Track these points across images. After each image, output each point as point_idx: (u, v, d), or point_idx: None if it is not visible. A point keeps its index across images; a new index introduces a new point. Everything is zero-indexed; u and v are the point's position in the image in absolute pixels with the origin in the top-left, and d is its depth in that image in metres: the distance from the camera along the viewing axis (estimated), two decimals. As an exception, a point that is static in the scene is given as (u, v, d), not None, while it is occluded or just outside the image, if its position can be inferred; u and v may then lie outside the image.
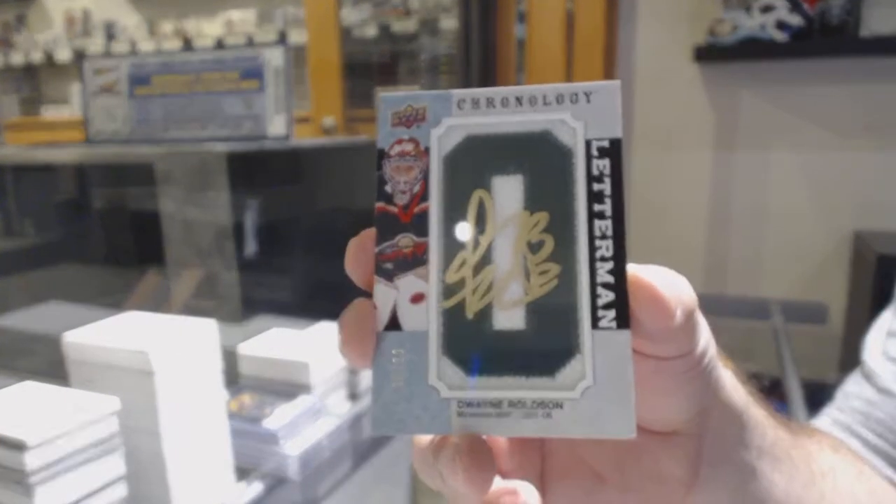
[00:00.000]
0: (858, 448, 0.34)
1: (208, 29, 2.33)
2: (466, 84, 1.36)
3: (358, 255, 0.18)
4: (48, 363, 0.60)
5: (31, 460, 0.43)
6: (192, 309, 0.77)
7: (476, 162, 0.18)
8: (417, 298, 0.17)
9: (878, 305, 0.41)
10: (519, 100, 0.18)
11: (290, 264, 0.92)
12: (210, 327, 0.55)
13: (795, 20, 1.40)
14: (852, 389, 0.37)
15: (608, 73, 1.57)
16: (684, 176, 1.58)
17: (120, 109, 0.95)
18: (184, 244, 0.77)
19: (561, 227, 0.17)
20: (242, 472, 0.60)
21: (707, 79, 1.53)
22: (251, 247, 0.79)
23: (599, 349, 0.16)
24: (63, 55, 2.52)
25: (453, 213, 0.18)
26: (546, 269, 0.17)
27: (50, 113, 2.63)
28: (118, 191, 0.92)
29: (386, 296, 0.18)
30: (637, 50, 1.58)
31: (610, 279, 0.17)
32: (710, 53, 1.46)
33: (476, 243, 0.18)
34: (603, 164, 0.17)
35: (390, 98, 0.19)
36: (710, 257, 1.59)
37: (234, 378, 0.69)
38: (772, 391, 1.19)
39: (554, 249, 0.17)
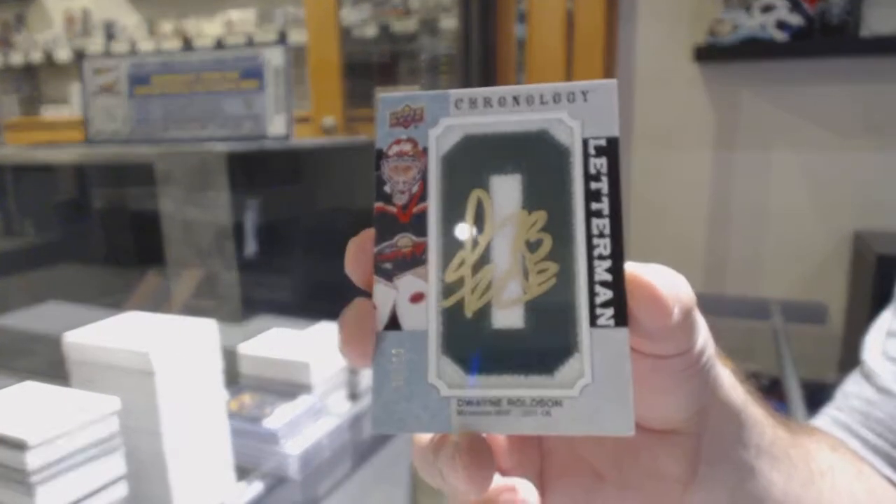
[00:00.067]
0: (858, 447, 0.34)
1: (208, 29, 2.33)
2: (466, 84, 1.36)
3: (357, 255, 0.18)
4: (49, 363, 0.60)
5: (32, 460, 0.43)
6: (193, 309, 0.77)
7: (474, 162, 0.18)
8: (417, 298, 0.18)
9: (878, 305, 0.41)
10: (516, 99, 0.18)
11: (290, 264, 0.92)
12: (210, 327, 0.55)
13: (795, 20, 1.40)
14: (852, 389, 0.38)
15: (608, 73, 1.57)
16: (684, 176, 1.58)
17: (120, 109, 0.95)
18: (184, 244, 0.77)
19: (559, 226, 0.17)
20: (243, 472, 0.60)
21: (707, 79, 1.53)
22: (251, 247, 0.79)
23: (598, 347, 0.16)
24: (63, 55, 2.52)
25: (452, 212, 0.18)
26: (544, 267, 0.17)
27: (50, 113, 2.63)
28: (118, 191, 0.92)
29: (385, 296, 0.18)
30: (637, 50, 1.58)
31: (608, 277, 0.17)
32: (710, 53, 1.46)
33: (475, 243, 0.18)
34: (600, 163, 0.17)
35: (388, 98, 0.19)
36: (710, 257, 1.59)
37: (234, 378, 0.69)
38: (771, 391, 1.19)
39: (552, 248, 0.17)
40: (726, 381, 0.21)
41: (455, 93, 0.18)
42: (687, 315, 0.17)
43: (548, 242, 0.17)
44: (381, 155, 0.18)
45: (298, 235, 0.94)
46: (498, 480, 0.18)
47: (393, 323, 0.17)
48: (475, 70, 1.34)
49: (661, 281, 0.16)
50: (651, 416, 0.20)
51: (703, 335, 0.19)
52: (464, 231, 0.18)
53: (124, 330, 0.54)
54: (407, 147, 0.18)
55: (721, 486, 0.22)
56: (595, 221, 0.17)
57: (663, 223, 1.61)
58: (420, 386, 0.17)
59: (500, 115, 0.18)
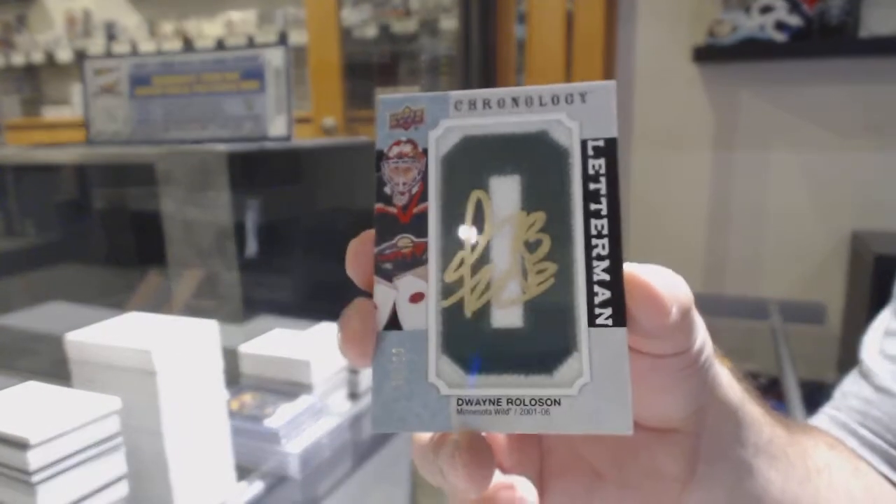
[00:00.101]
0: (855, 446, 0.34)
1: (209, 29, 2.33)
2: (466, 84, 1.37)
3: (358, 255, 0.18)
4: (50, 363, 0.61)
5: (33, 459, 0.43)
6: (194, 309, 0.78)
7: (473, 163, 0.18)
8: (417, 298, 0.18)
9: (877, 305, 0.41)
10: (515, 101, 0.18)
11: (291, 264, 0.92)
12: (211, 327, 0.55)
13: (794, 21, 1.40)
14: (850, 388, 0.38)
15: (608, 74, 1.57)
16: (684, 176, 1.59)
17: (120, 110, 0.95)
18: (185, 244, 0.77)
19: (558, 227, 0.17)
20: (243, 471, 0.61)
21: (706, 79, 1.53)
22: (252, 247, 0.80)
23: (596, 346, 0.17)
24: (64, 55, 2.53)
25: (451, 213, 0.18)
26: (543, 267, 0.17)
27: (51, 114, 2.64)
28: (119, 191, 0.92)
29: (386, 296, 0.18)
30: (637, 50, 1.58)
31: (606, 277, 0.17)
32: (709, 54, 1.47)
33: (474, 243, 0.18)
34: (598, 164, 0.18)
35: (388, 100, 0.19)
36: (709, 257, 1.59)
37: (235, 377, 0.69)
38: (770, 391, 1.19)
39: (551, 248, 0.17)
40: (724, 381, 0.21)
41: (455, 94, 0.19)
42: (685, 315, 0.17)
43: (547, 243, 0.17)
44: (381, 156, 0.18)
45: (299, 235, 0.94)
46: (498, 478, 0.18)
47: (393, 323, 0.18)
48: (475, 71, 1.34)
49: (660, 281, 0.17)
50: (649, 415, 0.20)
51: (702, 335, 0.19)
52: (463, 231, 0.18)
53: (126, 330, 0.55)
54: (407, 148, 0.18)
55: (719, 484, 0.22)
56: (594, 222, 0.17)
57: (663, 223, 1.62)
58: (420, 385, 0.17)
59: (500, 117, 0.18)
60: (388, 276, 0.18)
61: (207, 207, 0.76)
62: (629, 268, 0.17)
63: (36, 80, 2.79)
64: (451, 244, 0.18)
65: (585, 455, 0.22)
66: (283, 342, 0.72)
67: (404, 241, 0.18)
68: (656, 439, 0.21)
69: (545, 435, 0.22)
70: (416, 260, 0.18)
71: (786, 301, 1.46)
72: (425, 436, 0.19)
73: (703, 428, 0.21)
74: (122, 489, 0.49)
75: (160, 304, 0.82)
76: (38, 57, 2.57)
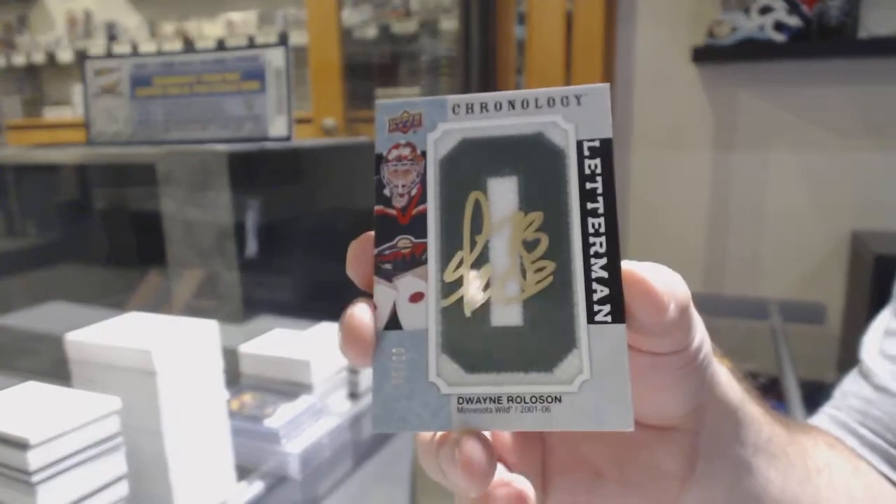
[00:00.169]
0: (855, 445, 0.34)
1: (209, 30, 2.34)
2: (466, 85, 1.37)
3: (358, 256, 0.18)
4: (50, 363, 0.61)
5: (33, 459, 0.43)
6: (194, 309, 0.78)
7: (471, 164, 0.18)
8: (416, 298, 0.18)
9: (876, 305, 0.41)
10: (511, 104, 0.19)
11: (291, 264, 0.92)
12: (211, 327, 0.55)
13: (794, 21, 1.40)
14: (850, 388, 0.38)
15: (608, 74, 1.57)
16: (683, 176, 1.59)
17: (121, 110, 0.95)
18: (185, 244, 0.77)
19: (555, 226, 0.18)
20: (243, 471, 0.61)
21: (706, 79, 1.53)
22: (252, 247, 0.80)
23: (595, 343, 0.17)
24: (65, 56, 2.53)
25: (450, 214, 0.18)
26: (542, 266, 0.18)
27: (52, 114, 2.64)
28: (119, 191, 0.92)
29: (385, 296, 0.18)
30: (636, 51, 1.58)
31: (604, 275, 0.17)
32: (708, 54, 1.47)
33: (473, 243, 0.18)
34: (594, 164, 0.18)
35: (387, 105, 0.19)
36: (709, 257, 1.59)
37: (235, 377, 0.69)
38: (770, 390, 1.19)
39: (549, 247, 0.18)
40: (723, 379, 0.21)
41: (452, 98, 0.19)
42: (683, 312, 0.17)
43: (545, 241, 0.18)
44: (380, 159, 0.19)
45: (299, 236, 0.94)
46: (498, 475, 0.18)
47: (393, 322, 0.18)
48: (475, 71, 1.34)
49: (657, 278, 0.17)
50: (649, 412, 0.20)
51: (700, 333, 0.19)
52: (462, 232, 0.18)
53: (126, 330, 0.55)
54: (406, 151, 0.19)
55: (718, 483, 0.22)
56: (591, 220, 0.17)
57: (662, 223, 1.62)
58: (420, 384, 0.17)
59: (497, 120, 0.19)
60: (388, 277, 0.18)
61: (208, 207, 0.76)
62: (627, 265, 0.17)
63: (37, 81, 2.79)
64: (451, 244, 0.18)
65: (586, 453, 0.22)
66: (283, 342, 0.72)
67: (404, 242, 0.18)
68: (656, 437, 0.21)
69: (547, 433, 0.22)
70: (415, 260, 0.18)
71: (786, 301, 1.46)
72: (428, 434, 0.19)
73: (702, 426, 0.21)
74: (122, 489, 0.49)
75: (160, 304, 0.82)
76: (39, 57, 2.58)
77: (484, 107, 0.19)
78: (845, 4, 1.37)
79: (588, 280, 0.17)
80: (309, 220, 0.96)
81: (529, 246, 0.18)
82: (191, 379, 0.54)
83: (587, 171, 0.18)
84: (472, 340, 0.17)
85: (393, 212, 0.18)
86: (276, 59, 0.87)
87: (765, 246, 1.53)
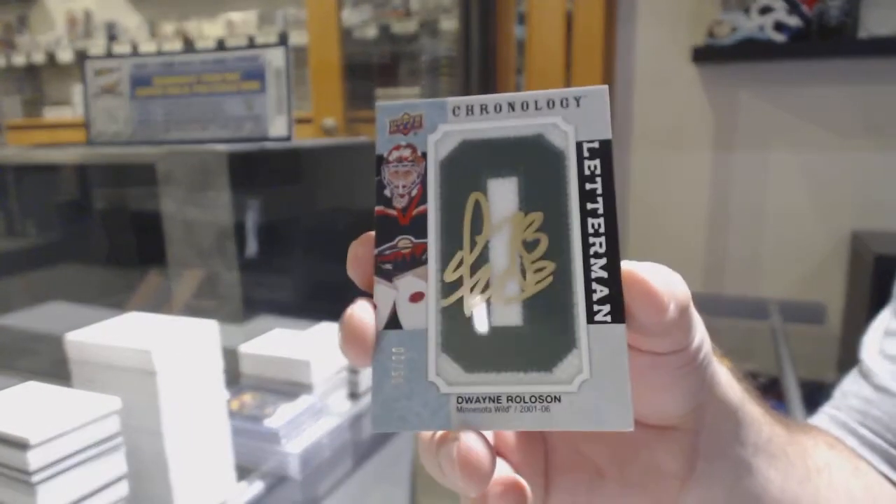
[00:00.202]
0: (855, 445, 0.34)
1: (209, 30, 2.34)
2: (466, 84, 1.37)
3: (358, 257, 0.19)
4: (50, 363, 0.61)
5: (33, 459, 0.43)
6: (194, 309, 0.78)
7: (472, 165, 0.19)
8: (416, 297, 0.18)
9: (876, 305, 0.41)
10: (511, 106, 0.19)
11: (291, 264, 0.92)
12: (211, 327, 0.55)
13: (794, 21, 1.40)
14: (850, 388, 0.38)
15: (608, 74, 1.57)
16: (683, 176, 1.59)
17: (121, 111, 0.95)
18: (185, 244, 0.77)
19: (555, 226, 0.18)
20: (243, 471, 0.61)
21: (706, 79, 1.53)
22: (252, 247, 0.80)
23: (595, 343, 0.17)
24: (65, 56, 2.53)
25: (450, 214, 0.18)
26: (541, 266, 0.18)
27: (52, 114, 2.64)
28: (119, 191, 0.92)
29: (386, 295, 0.18)
30: (636, 51, 1.58)
31: (604, 275, 0.17)
32: (708, 54, 1.47)
33: (473, 243, 0.18)
34: (594, 165, 0.18)
35: (387, 107, 0.19)
36: (709, 257, 1.59)
37: (235, 377, 0.69)
38: (770, 390, 1.19)
39: (549, 247, 0.18)
40: (723, 379, 0.21)
41: (452, 100, 0.19)
42: (683, 312, 0.17)
43: (544, 242, 0.18)
44: (381, 160, 0.19)
45: (299, 236, 0.94)
46: (498, 473, 0.18)
47: (393, 322, 0.18)
48: (475, 71, 1.34)
49: (657, 278, 0.17)
50: (648, 412, 0.20)
51: (700, 332, 0.19)
52: (462, 232, 0.18)
53: (126, 330, 0.55)
54: (406, 153, 0.19)
55: (718, 483, 0.22)
56: (591, 221, 0.17)
57: (662, 223, 1.62)
58: (420, 384, 0.17)
59: (497, 121, 0.19)
60: (388, 277, 0.18)
61: (208, 207, 0.76)
62: (627, 265, 0.17)
63: (37, 81, 2.79)
64: (451, 245, 0.18)
65: (587, 452, 0.22)
66: (283, 342, 0.72)
67: (404, 242, 0.18)
68: (656, 437, 0.21)
69: (548, 433, 0.22)
70: (415, 260, 0.18)
71: (786, 301, 1.46)
72: (429, 433, 0.19)
73: (702, 426, 0.21)
74: (122, 489, 0.49)
75: (160, 304, 0.82)
76: (39, 57, 2.58)
77: (484, 109, 0.19)
78: (845, 4, 1.37)
79: (588, 280, 0.17)
80: (309, 220, 0.96)
81: (529, 246, 0.18)
82: (191, 379, 0.54)
83: (587, 172, 0.18)
84: (471, 340, 0.17)
85: (393, 212, 0.18)
86: (276, 59, 0.87)
87: (765, 246, 1.53)
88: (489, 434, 0.19)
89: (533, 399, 0.17)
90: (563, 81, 1.54)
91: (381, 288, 0.18)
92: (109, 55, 0.97)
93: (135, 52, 2.03)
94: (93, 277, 0.92)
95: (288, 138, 0.87)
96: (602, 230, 0.17)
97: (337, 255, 0.21)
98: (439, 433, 0.18)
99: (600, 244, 0.17)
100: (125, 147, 0.95)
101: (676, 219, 1.60)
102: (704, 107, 1.54)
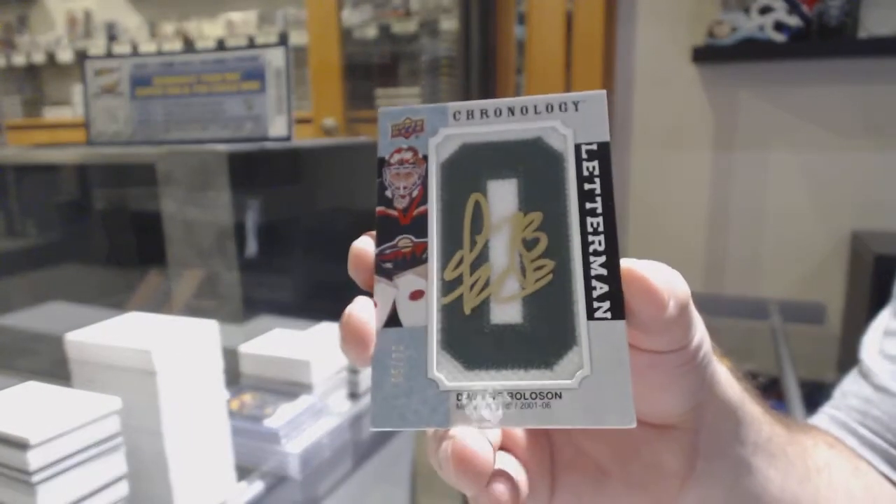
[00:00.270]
0: (855, 445, 0.34)
1: (209, 30, 2.34)
2: (466, 84, 1.37)
3: (359, 256, 0.19)
4: (51, 363, 0.61)
5: (33, 459, 0.43)
6: (194, 309, 0.78)
7: (472, 168, 0.19)
8: (416, 295, 0.18)
9: (876, 305, 0.41)
10: (511, 110, 0.19)
11: (291, 264, 0.92)
12: (211, 327, 0.55)
13: (794, 21, 1.40)
14: (850, 388, 0.38)
15: (607, 74, 1.57)
16: (683, 176, 1.59)
17: (121, 111, 0.95)
18: (185, 244, 0.77)
19: (554, 225, 0.18)
20: (243, 471, 0.61)
21: (706, 79, 1.53)
22: (252, 247, 0.80)
23: (596, 339, 0.17)
24: (65, 56, 2.53)
25: (450, 215, 0.19)
26: (541, 264, 0.18)
27: (52, 114, 2.64)
28: (119, 191, 0.92)
29: (386, 294, 0.18)
30: (636, 51, 1.58)
31: (603, 272, 0.17)
32: (708, 54, 1.47)
33: (473, 242, 0.18)
34: (592, 166, 0.18)
35: (389, 111, 0.20)
36: (709, 257, 1.59)
37: (235, 377, 0.69)
38: (770, 390, 1.19)
39: (548, 246, 0.18)
40: (723, 378, 0.21)
41: (453, 105, 0.19)
42: (683, 309, 0.17)
43: (544, 241, 0.18)
44: (382, 163, 0.19)
45: (299, 236, 0.94)
46: (504, 465, 0.18)
47: (393, 320, 0.18)
48: (475, 71, 1.34)
49: (657, 275, 0.17)
50: (648, 411, 0.20)
51: (700, 331, 0.19)
52: (462, 232, 0.18)
53: (126, 330, 0.55)
54: (408, 155, 0.19)
55: (718, 482, 0.22)
56: (590, 220, 0.18)
57: (662, 223, 1.62)
58: (419, 381, 0.17)
59: (497, 125, 0.19)
60: (389, 275, 0.18)
61: (208, 207, 0.76)
62: (627, 262, 0.17)
63: (37, 81, 2.79)
64: (451, 244, 0.18)
65: (590, 451, 0.22)
66: (283, 342, 0.72)
67: (404, 242, 0.18)
68: (656, 436, 0.21)
69: (551, 431, 0.22)
70: (415, 259, 0.18)
71: (786, 301, 1.46)
72: (431, 430, 0.19)
73: (701, 425, 0.21)
74: (122, 489, 0.49)
75: (160, 304, 0.82)
76: (39, 57, 2.58)
77: (484, 113, 0.19)
78: (845, 4, 1.37)
79: (587, 277, 0.17)
80: (309, 220, 0.96)
81: (529, 245, 0.18)
82: (191, 379, 0.54)
83: (585, 173, 0.18)
84: (471, 337, 0.18)
85: (394, 212, 0.19)
86: (276, 59, 0.87)
87: (765, 246, 1.53)
88: (496, 432, 0.19)
89: (534, 395, 0.17)
90: (562, 81, 1.54)
91: (381, 286, 0.18)
92: (109, 55, 0.97)
93: (135, 52, 2.03)
94: (93, 277, 0.92)
95: (288, 138, 0.88)
96: (601, 229, 0.17)
97: (337, 255, 0.21)
98: (441, 430, 0.18)
99: (599, 242, 0.17)
100: (125, 147, 0.95)
101: (676, 219, 1.60)
102: (704, 107, 1.54)
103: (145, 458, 0.52)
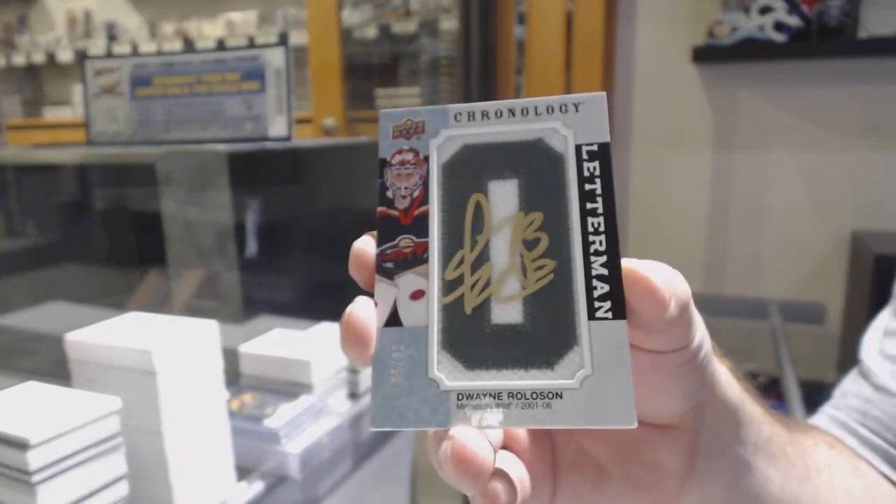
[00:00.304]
0: (855, 445, 0.34)
1: (209, 30, 2.34)
2: (466, 84, 1.37)
3: (360, 257, 0.19)
4: (51, 363, 0.61)
5: (33, 459, 0.43)
6: (194, 309, 0.78)
7: (473, 168, 0.19)
8: (417, 295, 0.18)
9: (876, 305, 0.41)
10: (512, 112, 0.19)
11: (291, 264, 0.92)
12: (211, 327, 0.55)
13: (794, 21, 1.40)
14: (850, 388, 0.38)
15: (607, 74, 1.57)
16: (683, 176, 1.59)
17: (121, 111, 0.95)
18: (185, 244, 0.77)
19: (555, 225, 0.18)
20: (243, 471, 0.61)
21: (706, 79, 1.53)
22: (252, 247, 0.80)
23: (597, 339, 0.17)
24: (65, 56, 2.53)
25: (452, 215, 0.19)
26: (542, 264, 0.18)
27: (52, 114, 2.64)
28: (119, 191, 0.92)
29: (387, 293, 0.18)
30: (636, 51, 1.58)
31: (604, 272, 0.17)
32: (708, 54, 1.47)
33: (474, 242, 0.18)
34: (593, 166, 0.18)
35: (390, 113, 0.20)
36: (709, 257, 1.59)
37: (235, 377, 0.69)
38: (770, 390, 1.19)
39: (549, 246, 0.18)
40: (723, 378, 0.21)
41: (454, 107, 0.19)
42: (684, 309, 0.17)
43: (545, 241, 0.18)
44: (384, 163, 0.19)
45: (299, 236, 0.94)
46: (504, 463, 0.18)
47: (394, 320, 0.18)
48: (475, 71, 1.34)
49: (658, 275, 0.17)
50: (649, 411, 0.20)
51: (701, 331, 0.19)
52: (463, 232, 0.18)
53: (126, 330, 0.55)
54: (409, 156, 0.19)
55: (718, 481, 0.22)
56: (590, 220, 0.18)
57: (662, 223, 1.62)
58: (419, 381, 0.17)
59: (497, 126, 0.19)
60: (390, 275, 0.18)
61: (208, 207, 0.76)
62: (628, 263, 0.17)
63: (37, 81, 2.79)
64: (452, 244, 0.18)
65: (591, 451, 0.22)
66: (283, 342, 0.72)
67: (405, 242, 0.18)
68: (657, 436, 0.21)
69: (553, 431, 0.22)
70: (416, 259, 0.18)
71: (786, 301, 1.46)
72: (432, 429, 0.19)
73: (702, 425, 0.21)
74: (122, 489, 0.49)
75: (160, 304, 0.82)
76: (39, 57, 2.58)
77: (485, 115, 0.19)
78: (845, 4, 1.37)
79: (588, 277, 0.17)
80: (309, 220, 0.96)
81: (530, 245, 0.18)
82: (191, 379, 0.54)
83: (586, 174, 0.18)
84: (472, 337, 0.18)
85: (395, 213, 0.19)
86: (276, 59, 0.87)
87: (765, 246, 1.53)
88: (497, 432, 0.19)
89: (534, 395, 0.17)
90: (562, 81, 1.54)
91: (382, 286, 0.18)
92: (109, 55, 0.97)
93: (135, 52, 2.03)
94: (93, 277, 0.92)
95: (288, 138, 0.87)
96: (602, 229, 0.18)
97: (337, 255, 0.21)
98: (441, 429, 0.18)
99: (600, 242, 0.17)
100: (125, 147, 0.95)
101: (676, 219, 1.60)
102: (704, 107, 1.54)
103: (145, 458, 0.52)
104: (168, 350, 0.51)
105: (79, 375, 0.54)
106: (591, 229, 0.18)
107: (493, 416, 0.17)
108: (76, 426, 0.45)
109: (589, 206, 0.18)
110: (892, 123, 1.41)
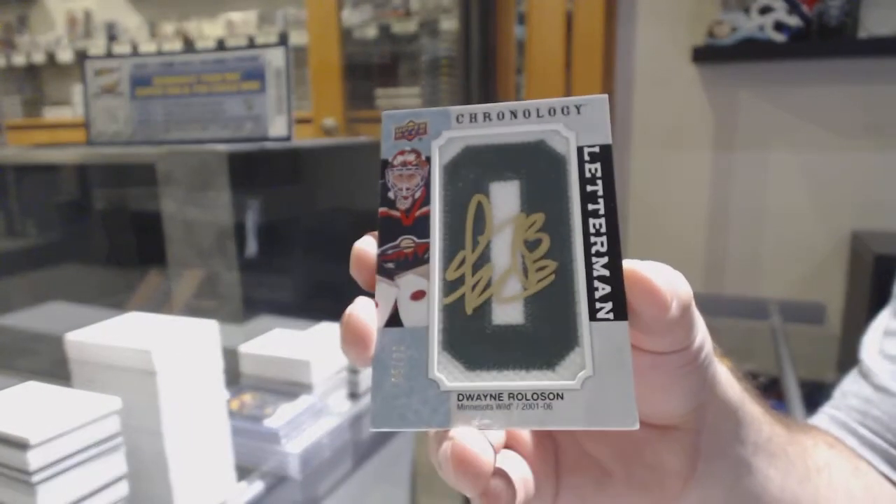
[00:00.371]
0: (855, 445, 0.34)
1: (209, 30, 2.34)
2: (466, 84, 1.37)
3: (361, 256, 0.19)
4: (51, 363, 0.61)
5: (33, 459, 0.43)
6: (194, 309, 0.78)
7: (474, 170, 0.19)
8: (418, 296, 0.18)
9: (876, 305, 0.41)
10: (514, 113, 0.19)
11: (291, 264, 0.92)
12: (211, 327, 0.55)
13: (794, 21, 1.40)
14: (850, 388, 0.38)
15: (607, 74, 1.57)
16: (683, 176, 1.59)
17: (121, 111, 0.95)
18: (185, 244, 0.77)
19: (557, 226, 0.18)
20: (243, 471, 0.61)
21: (706, 79, 1.53)
22: (252, 247, 0.80)
23: (598, 340, 0.17)
24: (65, 56, 2.53)
25: (453, 216, 0.19)
26: (543, 265, 0.18)
27: (52, 114, 2.64)
28: (119, 191, 0.92)
29: (387, 293, 0.18)
30: (636, 51, 1.58)
31: (606, 273, 0.17)
32: (708, 54, 1.47)
33: (475, 243, 0.18)
34: (595, 168, 0.18)
35: (392, 115, 0.20)
36: (709, 257, 1.59)
37: (235, 377, 0.69)
38: (770, 390, 1.19)
39: (550, 247, 0.18)
40: (724, 379, 0.21)
41: (456, 109, 0.20)
42: (685, 311, 0.17)
43: (546, 242, 0.18)
44: (386, 164, 0.19)
45: (299, 236, 0.94)
46: (507, 463, 0.18)
47: (394, 320, 0.18)
48: (475, 71, 1.34)
49: (659, 276, 0.17)
50: (650, 412, 0.20)
51: (702, 332, 0.19)
52: (464, 232, 0.18)
53: (126, 330, 0.55)
54: (411, 157, 0.19)
55: (719, 482, 0.22)
56: (592, 221, 0.18)
57: (663, 223, 1.62)
58: (420, 381, 0.17)
59: (499, 128, 0.19)
60: (390, 275, 0.18)
61: (208, 207, 0.76)
62: (629, 263, 0.17)
63: (37, 81, 2.79)
64: (453, 244, 0.18)
65: (593, 451, 0.22)
66: (283, 342, 0.72)
67: (406, 242, 0.18)
68: (658, 436, 0.21)
69: (555, 431, 0.22)
70: (417, 259, 0.18)
71: (786, 301, 1.46)
72: (432, 430, 0.19)
73: (703, 425, 0.21)
74: (122, 489, 0.49)
75: (160, 304, 0.82)
76: (39, 57, 2.58)
77: (487, 116, 0.19)
78: (845, 4, 1.37)
79: (590, 278, 0.17)
80: (309, 220, 0.96)
81: (531, 246, 0.18)
82: (191, 379, 0.54)
83: (588, 175, 0.18)
84: (473, 338, 0.17)
85: (397, 213, 0.19)
86: (276, 59, 0.87)
87: (765, 246, 1.53)
88: (497, 433, 0.19)
89: (535, 396, 0.17)
90: (563, 81, 1.54)
91: (382, 286, 0.18)
92: (109, 55, 0.97)
93: (135, 52, 2.03)
94: (93, 277, 0.92)
95: (288, 138, 0.87)
96: (603, 230, 0.18)
97: (337, 255, 0.21)
98: (442, 430, 0.18)
99: (602, 243, 0.17)
100: (125, 147, 0.95)
101: (676, 219, 1.60)
102: (704, 107, 1.54)
103: (145, 458, 0.52)
104: (168, 350, 0.51)
105: (79, 375, 0.54)
106: (592, 230, 0.18)
107: (494, 416, 0.17)
108: (76, 426, 0.45)
109: (590, 207, 0.18)
110: (892, 123, 1.41)
